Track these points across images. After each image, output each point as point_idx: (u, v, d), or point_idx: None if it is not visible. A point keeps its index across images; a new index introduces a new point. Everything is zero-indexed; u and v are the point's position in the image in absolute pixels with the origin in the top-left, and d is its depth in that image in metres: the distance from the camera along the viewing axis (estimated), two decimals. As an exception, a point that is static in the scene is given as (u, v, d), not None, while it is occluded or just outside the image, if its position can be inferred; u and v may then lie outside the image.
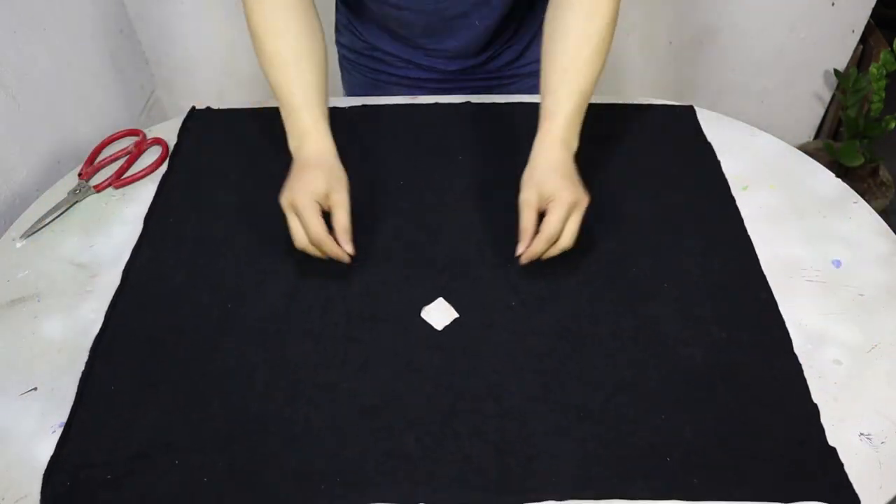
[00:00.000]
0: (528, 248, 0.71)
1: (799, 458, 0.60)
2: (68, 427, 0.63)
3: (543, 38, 0.79)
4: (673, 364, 0.67)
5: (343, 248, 0.72)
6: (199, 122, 0.97)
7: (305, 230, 0.71)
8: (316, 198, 0.71)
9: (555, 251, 0.71)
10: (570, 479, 0.59)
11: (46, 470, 0.60)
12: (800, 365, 0.66)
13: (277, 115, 0.95)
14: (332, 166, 0.74)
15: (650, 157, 0.90)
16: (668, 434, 0.62)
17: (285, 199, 0.72)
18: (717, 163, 0.88)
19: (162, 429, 0.63)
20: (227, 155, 0.92)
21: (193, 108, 0.99)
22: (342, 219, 0.72)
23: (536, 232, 0.71)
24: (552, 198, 0.70)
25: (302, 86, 0.76)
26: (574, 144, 0.75)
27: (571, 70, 0.74)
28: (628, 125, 0.94)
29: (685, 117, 0.96)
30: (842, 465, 0.59)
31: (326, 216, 0.72)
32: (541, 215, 0.71)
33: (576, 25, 0.75)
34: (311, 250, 0.72)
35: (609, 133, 0.93)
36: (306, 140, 0.75)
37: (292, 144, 0.76)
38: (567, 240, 0.70)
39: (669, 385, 0.65)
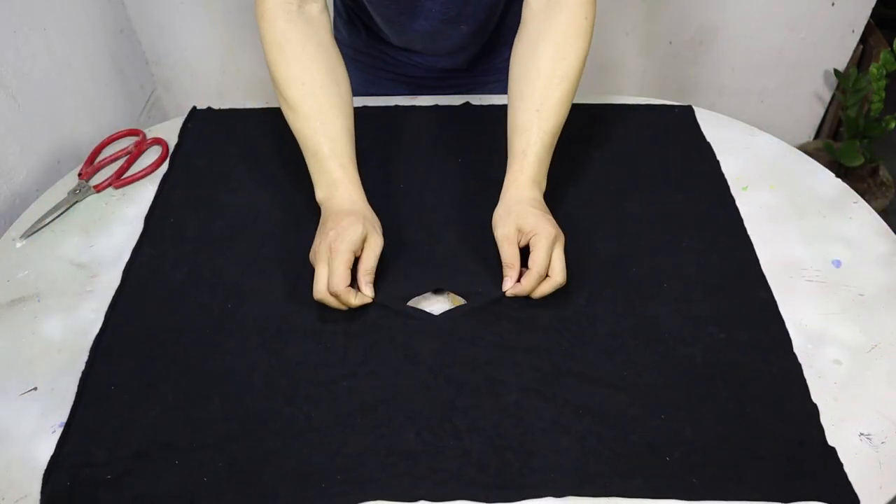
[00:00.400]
0: (519, 284, 0.70)
1: (799, 457, 0.60)
2: (68, 427, 0.63)
3: (510, 75, 0.78)
4: (672, 364, 0.67)
5: (362, 289, 0.70)
6: (199, 122, 0.97)
7: (329, 278, 0.68)
8: (353, 246, 0.70)
9: (547, 288, 0.70)
10: (569, 477, 0.59)
11: (46, 470, 0.60)
12: (799, 365, 0.66)
13: (277, 114, 0.95)
14: (367, 212, 0.74)
15: (650, 157, 0.90)
16: (668, 433, 0.62)
17: (322, 247, 0.69)
18: (717, 163, 0.88)
19: (162, 428, 0.63)
20: (227, 155, 0.92)
21: (194, 108, 0.99)
22: (370, 261, 0.71)
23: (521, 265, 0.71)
24: (534, 232, 0.69)
25: (329, 135, 0.75)
26: (544, 185, 0.76)
27: (543, 110, 0.74)
28: (628, 125, 0.95)
29: (685, 117, 0.96)
30: (841, 465, 0.59)
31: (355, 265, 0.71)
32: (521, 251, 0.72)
33: (545, 67, 0.75)
34: (330, 301, 0.69)
35: (609, 133, 0.93)
36: (337, 189, 0.74)
37: (321, 194, 0.75)
38: (559, 275, 0.69)
39: (669, 385, 0.65)
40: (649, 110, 0.97)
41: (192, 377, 0.67)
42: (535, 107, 0.75)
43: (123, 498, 0.58)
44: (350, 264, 0.70)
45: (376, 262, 0.72)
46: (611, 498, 0.58)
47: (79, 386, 0.66)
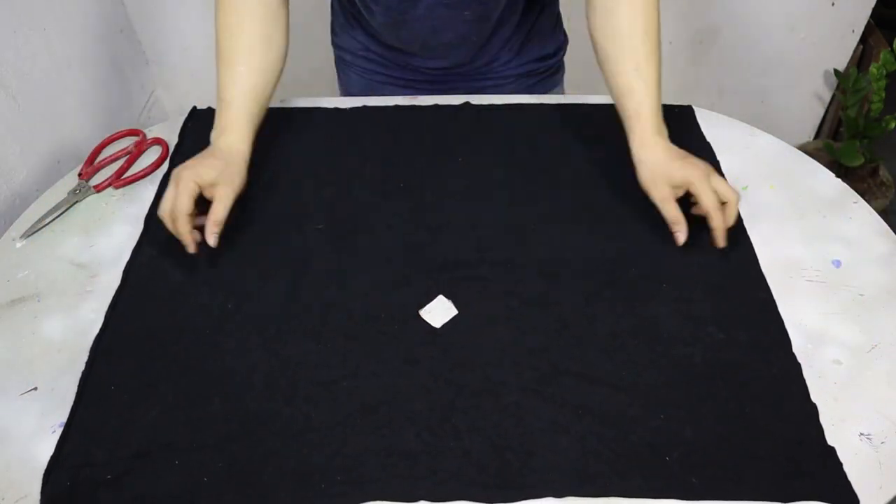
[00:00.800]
0: (717, 226, 0.74)
1: (798, 457, 0.60)
2: (68, 427, 0.63)
3: (596, 44, 0.82)
4: (672, 364, 0.67)
5: (207, 237, 0.74)
6: (199, 122, 0.97)
7: (173, 201, 0.73)
8: (199, 180, 0.74)
9: (731, 210, 0.74)
10: (569, 477, 0.59)
11: (46, 470, 0.60)
12: (799, 365, 0.66)
13: (276, 115, 0.95)
14: (232, 164, 0.78)
15: None
16: (668, 433, 0.62)
17: (176, 170, 0.75)
18: (717, 163, 0.88)
19: (162, 428, 0.63)
20: None
21: (194, 108, 0.99)
22: (218, 212, 0.74)
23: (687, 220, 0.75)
24: (688, 181, 0.74)
25: (239, 85, 0.80)
26: (665, 131, 0.79)
27: (641, 67, 0.78)
28: None
29: (685, 117, 0.96)
30: (840, 464, 0.59)
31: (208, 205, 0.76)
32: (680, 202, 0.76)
33: (627, 25, 0.79)
34: (167, 222, 0.74)
35: (609, 133, 0.93)
36: (224, 134, 0.79)
37: (212, 135, 0.81)
38: (730, 194, 0.74)
39: (668, 384, 0.65)
40: None
41: (192, 377, 0.67)
42: (633, 66, 0.78)
43: (123, 498, 0.58)
44: (194, 195, 0.74)
45: (225, 214, 0.75)
46: (611, 498, 0.58)
47: (79, 386, 0.66)
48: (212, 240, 0.74)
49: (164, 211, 0.74)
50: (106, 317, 0.72)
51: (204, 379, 0.66)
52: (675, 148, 0.77)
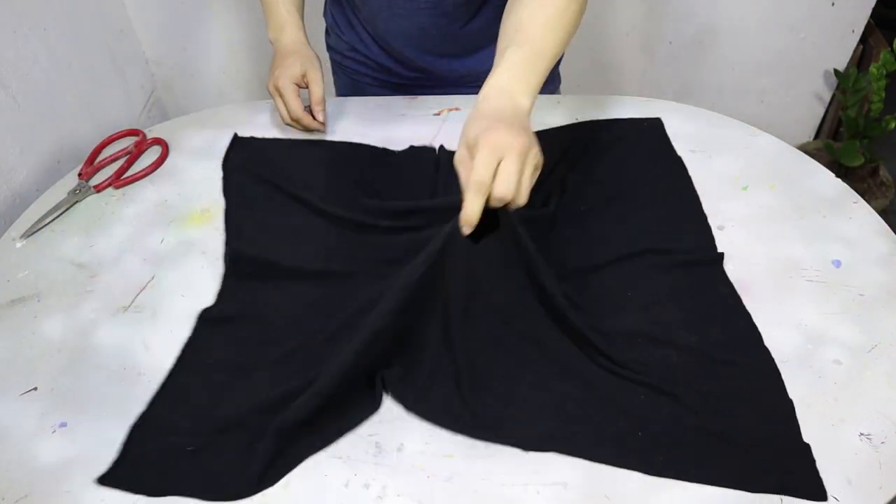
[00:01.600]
0: (464, 209, 0.58)
1: (771, 450, 0.59)
2: (163, 388, 0.65)
3: (504, 15, 0.72)
4: (646, 367, 0.66)
5: (316, 116, 0.89)
6: (241, 152, 0.92)
7: (287, 108, 0.88)
8: (294, 80, 0.87)
9: (494, 203, 0.58)
10: (540, 431, 0.61)
11: (134, 425, 0.62)
12: (772, 358, 0.66)
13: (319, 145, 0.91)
14: (306, 51, 0.90)
15: (618, 170, 0.88)
16: (646, 410, 0.62)
17: (271, 85, 0.88)
18: (687, 175, 0.86)
19: (243, 410, 0.63)
20: (274, 181, 0.88)
21: (235, 135, 0.94)
22: (317, 92, 0.88)
23: None
24: (475, 142, 0.58)
25: None
26: (522, 99, 0.64)
27: (522, 30, 0.67)
28: (597, 140, 0.92)
29: (653, 130, 0.93)
30: (814, 460, 0.59)
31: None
32: None
33: (527, 3, 0.69)
34: (295, 126, 0.90)
35: (578, 148, 0.90)
36: (283, 31, 0.91)
37: (271, 35, 0.93)
38: (501, 186, 0.56)
39: (642, 385, 0.65)
40: (617, 125, 0.94)
41: (285, 365, 0.67)
42: (515, 27, 0.68)
43: (199, 470, 0.59)
44: (297, 94, 0.88)
45: (323, 91, 0.89)
46: (575, 458, 0.59)
47: (181, 351, 0.68)
48: (321, 116, 0.89)
49: (286, 119, 0.89)
50: (220, 291, 0.74)
51: (294, 367, 0.67)
52: (510, 112, 0.61)
